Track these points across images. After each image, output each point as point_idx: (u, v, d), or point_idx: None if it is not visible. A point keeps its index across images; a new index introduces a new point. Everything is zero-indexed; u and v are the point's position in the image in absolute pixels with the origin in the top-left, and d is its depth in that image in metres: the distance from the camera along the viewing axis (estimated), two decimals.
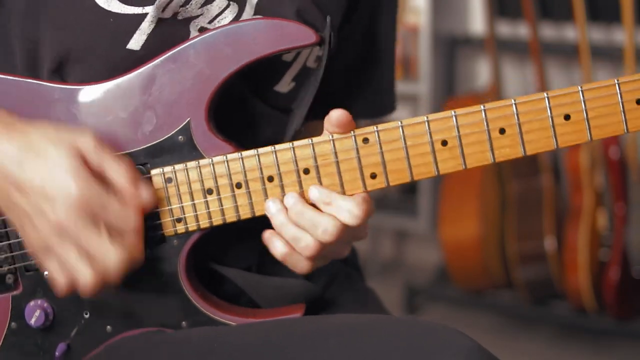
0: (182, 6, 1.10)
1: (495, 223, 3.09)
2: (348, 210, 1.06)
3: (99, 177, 1.03)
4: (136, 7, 1.09)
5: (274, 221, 1.08)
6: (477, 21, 3.40)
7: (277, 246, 1.09)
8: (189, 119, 1.09)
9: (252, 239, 1.20)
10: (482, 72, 3.45)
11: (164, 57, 1.10)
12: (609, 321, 2.92)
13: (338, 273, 1.31)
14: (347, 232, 1.08)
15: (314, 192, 1.08)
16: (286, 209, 1.08)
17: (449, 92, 3.36)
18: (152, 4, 1.09)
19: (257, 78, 1.18)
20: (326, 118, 1.07)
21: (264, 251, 1.19)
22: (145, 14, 1.09)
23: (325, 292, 1.24)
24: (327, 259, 1.13)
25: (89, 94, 1.10)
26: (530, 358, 2.96)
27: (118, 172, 1.04)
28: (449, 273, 3.17)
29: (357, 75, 1.31)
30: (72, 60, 1.12)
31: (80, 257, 1.02)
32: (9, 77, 1.12)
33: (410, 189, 3.48)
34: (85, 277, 1.02)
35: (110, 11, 1.09)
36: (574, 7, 2.90)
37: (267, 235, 1.10)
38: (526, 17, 3.01)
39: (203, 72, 1.09)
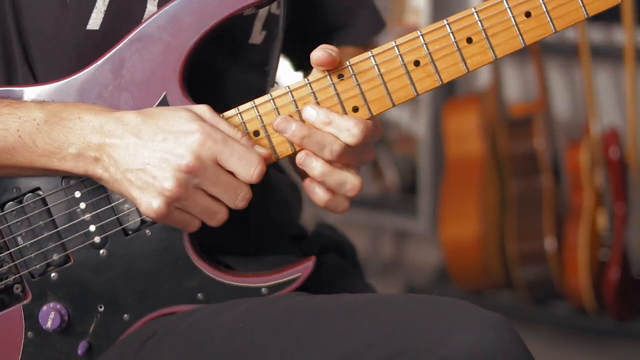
0: None
1: (495, 223, 3.09)
2: (347, 129, 1.07)
3: None
4: None
5: (294, 138, 1.08)
6: None
7: (318, 193, 1.10)
8: (164, 92, 1.10)
9: (246, 229, 1.20)
10: (482, 72, 3.44)
11: (128, 37, 1.10)
12: (609, 321, 2.92)
13: (338, 268, 1.32)
14: (350, 153, 1.09)
15: (311, 112, 1.09)
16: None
17: (449, 92, 3.36)
18: None
19: (230, 37, 1.18)
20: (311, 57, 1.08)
21: (260, 241, 1.19)
22: None
23: (326, 288, 1.25)
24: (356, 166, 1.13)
25: (62, 89, 1.11)
26: None
27: (234, 130, 1.07)
28: (449, 273, 3.17)
29: (337, 9, 1.34)
30: (39, 50, 1.12)
31: (212, 198, 1.05)
32: None
33: (410, 189, 3.47)
34: (221, 213, 1.06)
35: None
36: None
37: (307, 183, 1.11)
38: None
39: (170, 44, 1.10)
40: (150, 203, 1.04)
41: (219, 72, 1.19)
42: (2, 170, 1.10)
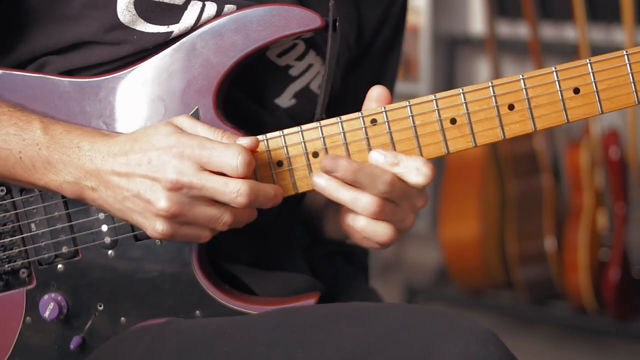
0: None
1: (495, 223, 3.09)
2: (417, 168, 1.05)
3: None
4: (161, 26, 1.11)
5: (327, 192, 1.07)
6: (477, 21, 3.40)
7: (358, 222, 1.08)
8: (197, 107, 1.11)
9: (259, 234, 1.20)
10: (482, 72, 3.44)
11: (171, 47, 1.11)
12: (609, 321, 2.92)
13: (343, 272, 1.32)
14: (406, 190, 1.07)
15: (378, 156, 1.06)
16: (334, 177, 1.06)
17: None
18: (177, 23, 1.11)
19: (260, 87, 1.19)
20: (367, 95, 1.08)
21: (272, 247, 1.19)
22: (171, 32, 1.11)
23: (329, 290, 1.24)
24: (400, 230, 1.11)
25: (98, 86, 1.12)
26: (530, 358, 2.96)
27: (212, 131, 1.07)
28: (449, 273, 3.17)
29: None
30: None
31: (208, 205, 1.05)
32: (17, 73, 1.13)
33: None
34: (223, 217, 1.06)
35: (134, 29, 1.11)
36: (574, 7, 2.90)
37: (348, 220, 1.09)
38: (526, 17, 3.01)
39: (210, 60, 1.10)
40: (154, 227, 1.05)
41: (244, 109, 1.20)
42: (3, 179, 1.12)
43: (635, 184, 2.92)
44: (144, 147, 1.04)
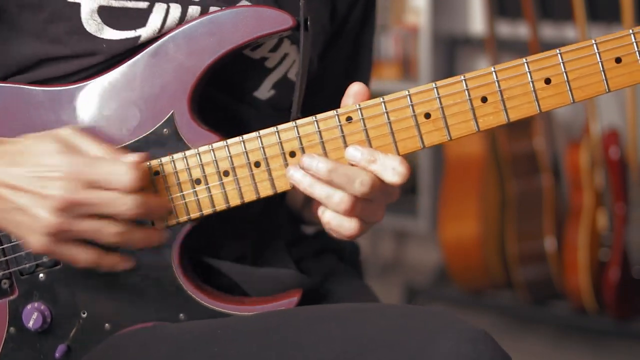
0: (179, 25, 1.11)
1: (495, 223, 3.09)
2: (393, 167, 1.05)
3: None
4: (128, 31, 1.10)
5: (302, 186, 1.07)
6: (477, 21, 3.40)
7: (325, 216, 1.08)
8: (172, 111, 1.10)
9: (241, 227, 1.20)
10: None
11: (144, 52, 1.10)
12: (609, 321, 2.92)
13: (334, 269, 1.32)
14: (382, 189, 1.07)
15: (354, 153, 1.06)
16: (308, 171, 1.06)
17: None
18: (144, 26, 1.10)
19: (237, 83, 1.18)
20: (346, 91, 1.08)
21: (256, 238, 1.18)
22: (139, 37, 1.11)
23: (320, 287, 1.24)
24: (366, 223, 1.11)
25: (73, 94, 1.11)
26: (530, 358, 2.96)
27: (97, 147, 1.06)
28: (449, 273, 3.17)
29: (340, 86, 1.33)
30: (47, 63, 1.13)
31: (100, 219, 1.04)
32: None
33: (410, 189, 3.47)
34: (112, 231, 1.05)
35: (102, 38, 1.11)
36: (574, 7, 2.90)
37: (319, 211, 1.09)
38: (526, 17, 3.01)
39: (183, 64, 1.09)
40: (37, 241, 1.04)
41: (223, 107, 1.19)
42: None
43: (635, 184, 2.92)
44: (33, 162, 1.03)
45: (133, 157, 1.05)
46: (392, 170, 1.05)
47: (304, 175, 1.06)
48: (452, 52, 3.38)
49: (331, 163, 1.05)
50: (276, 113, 1.19)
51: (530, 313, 3.09)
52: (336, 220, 1.07)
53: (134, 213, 1.04)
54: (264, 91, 1.21)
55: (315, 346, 1.00)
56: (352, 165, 1.06)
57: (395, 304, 1.15)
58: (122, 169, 1.03)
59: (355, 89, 1.07)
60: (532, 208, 3.02)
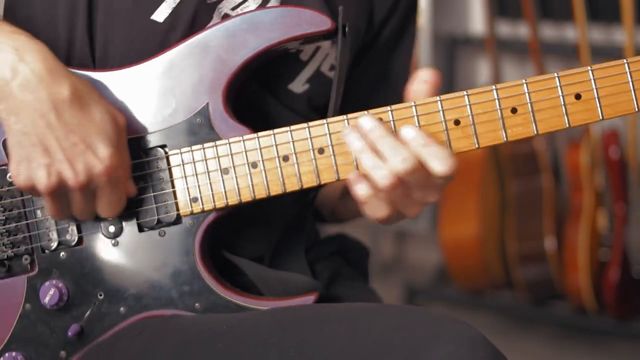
0: None
1: (495, 223, 3.09)
2: (443, 156, 1.05)
3: None
4: None
5: (353, 147, 1.07)
6: (477, 21, 3.40)
7: (360, 188, 1.08)
8: (207, 102, 1.13)
9: (266, 229, 1.21)
10: (482, 72, 3.44)
11: (185, 42, 1.14)
12: (609, 321, 2.92)
13: (340, 272, 1.32)
14: (423, 179, 1.07)
15: (409, 130, 1.06)
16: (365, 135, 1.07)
17: (449, 92, 3.36)
18: None
19: (272, 74, 1.20)
20: (415, 78, 1.09)
21: (278, 242, 1.19)
22: None
23: (327, 290, 1.25)
24: (399, 215, 1.12)
25: (111, 79, 1.14)
26: (530, 358, 2.96)
27: (129, 161, 1.09)
28: (449, 273, 3.17)
29: (371, 96, 1.33)
30: (102, 34, 1.15)
31: (68, 161, 1.05)
32: None
33: None
34: (74, 174, 1.06)
35: None
36: (574, 7, 2.90)
37: (352, 176, 1.09)
38: (526, 17, 3.01)
39: (221, 57, 1.13)
40: (38, 175, 1.05)
41: (261, 101, 1.21)
42: None
43: (635, 184, 2.92)
44: (80, 124, 1.05)
45: (132, 189, 1.12)
46: (441, 160, 1.05)
47: (358, 139, 1.07)
48: (452, 52, 3.38)
49: (385, 130, 1.06)
50: (309, 108, 1.19)
51: (530, 313, 3.09)
52: (372, 197, 1.08)
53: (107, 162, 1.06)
54: (299, 84, 1.22)
55: (316, 347, 1.01)
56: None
57: (396, 305, 1.15)
58: (118, 207, 1.10)
59: (424, 75, 1.08)
60: (532, 208, 3.02)
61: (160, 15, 1.15)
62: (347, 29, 1.14)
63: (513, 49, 3.25)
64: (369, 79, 1.32)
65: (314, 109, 1.23)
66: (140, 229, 1.14)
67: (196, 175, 1.12)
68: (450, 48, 3.37)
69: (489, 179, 3.09)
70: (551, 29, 3.17)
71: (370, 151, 1.06)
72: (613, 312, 2.88)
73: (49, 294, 1.13)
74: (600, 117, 1.08)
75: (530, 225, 3.01)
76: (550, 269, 2.98)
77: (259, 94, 1.20)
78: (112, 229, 1.13)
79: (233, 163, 1.11)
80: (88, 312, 1.14)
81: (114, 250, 1.14)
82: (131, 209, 1.13)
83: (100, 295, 1.14)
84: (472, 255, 3.06)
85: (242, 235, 1.21)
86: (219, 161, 1.12)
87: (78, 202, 1.08)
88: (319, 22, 1.13)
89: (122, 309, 1.14)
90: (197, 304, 1.13)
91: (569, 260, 2.91)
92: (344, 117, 1.09)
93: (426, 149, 1.05)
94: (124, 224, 1.14)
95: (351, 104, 1.22)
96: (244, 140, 1.11)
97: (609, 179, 2.89)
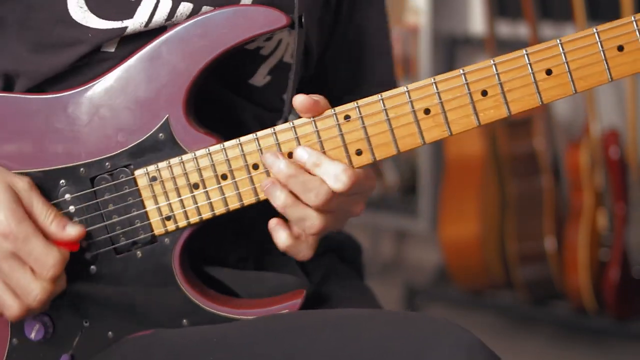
0: (167, 20, 1.10)
1: (495, 223, 3.09)
2: (335, 174, 1.05)
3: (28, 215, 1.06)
4: (114, 22, 1.09)
5: (262, 187, 1.07)
6: (477, 21, 3.40)
7: (281, 236, 1.09)
8: (167, 115, 1.09)
9: (248, 230, 1.19)
10: None
11: (136, 55, 1.09)
12: (609, 321, 2.92)
13: (334, 270, 1.31)
14: (341, 202, 1.07)
15: (302, 153, 1.06)
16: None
17: None
18: (131, 18, 1.09)
19: (231, 72, 1.17)
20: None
21: (263, 242, 1.18)
22: (125, 28, 1.09)
23: (320, 289, 1.24)
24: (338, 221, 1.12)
25: (67, 101, 1.10)
26: (530, 358, 2.96)
27: (46, 210, 1.07)
28: (449, 273, 3.17)
29: (352, 72, 1.31)
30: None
31: (7, 290, 1.05)
32: None
33: (410, 189, 3.47)
34: (11, 308, 1.06)
35: (88, 26, 1.09)
36: (574, 7, 2.90)
37: (272, 225, 1.09)
38: (526, 17, 3.01)
39: (177, 66, 1.08)
40: None
41: (219, 102, 1.18)
42: None
43: (635, 184, 2.92)
44: None
45: (75, 233, 1.07)
46: (335, 177, 1.05)
47: (280, 190, 1.07)
48: (452, 52, 3.38)
49: (293, 169, 1.05)
50: (274, 98, 1.18)
51: (530, 313, 3.09)
52: (296, 247, 1.10)
53: (34, 307, 1.06)
54: (260, 78, 1.19)
55: (310, 355, 1.00)
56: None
57: (392, 310, 1.15)
58: (49, 263, 1.05)
59: (297, 101, 1.05)
60: (532, 208, 3.02)
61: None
62: (302, 20, 1.11)
63: (513, 49, 3.19)
64: (343, 55, 1.29)
65: (280, 98, 1.21)
66: (117, 252, 1.11)
67: (166, 193, 1.09)
68: (450, 48, 3.37)
69: (489, 180, 3.09)
70: (551, 29, 3.17)
71: (280, 187, 1.06)
72: (613, 312, 2.88)
73: (34, 329, 1.11)
74: (574, 91, 1.05)
75: (530, 226, 3.01)
76: (550, 269, 2.98)
77: (221, 93, 1.17)
78: (87, 256, 1.11)
79: (202, 177, 1.08)
80: (76, 340, 1.12)
81: (93, 276, 1.11)
82: (105, 234, 1.11)
83: (86, 323, 1.12)
84: (472, 255, 3.06)
85: (224, 239, 1.19)
86: (187, 177, 1.09)
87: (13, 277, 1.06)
88: (273, 19, 1.08)
89: (109, 333, 1.12)
90: (184, 320, 1.12)
91: (569, 260, 2.91)
92: (311, 118, 1.07)
93: (318, 169, 1.05)
94: (99, 250, 1.11)
95: (337, 87, 1.23)
96: (210, 153, 1.08)
97: (609, 179, 2.89)
